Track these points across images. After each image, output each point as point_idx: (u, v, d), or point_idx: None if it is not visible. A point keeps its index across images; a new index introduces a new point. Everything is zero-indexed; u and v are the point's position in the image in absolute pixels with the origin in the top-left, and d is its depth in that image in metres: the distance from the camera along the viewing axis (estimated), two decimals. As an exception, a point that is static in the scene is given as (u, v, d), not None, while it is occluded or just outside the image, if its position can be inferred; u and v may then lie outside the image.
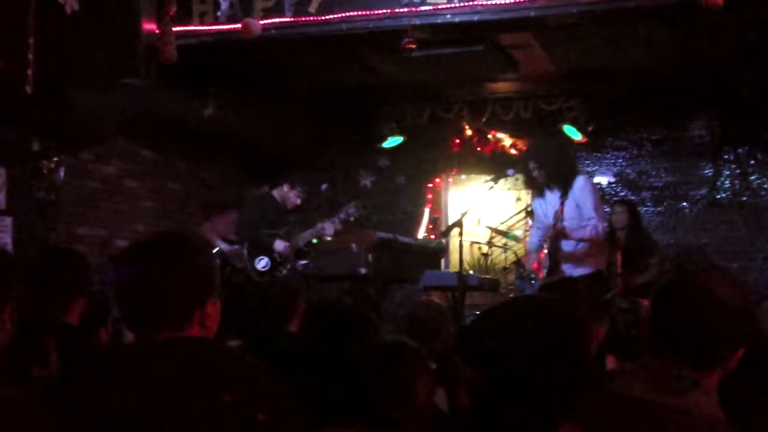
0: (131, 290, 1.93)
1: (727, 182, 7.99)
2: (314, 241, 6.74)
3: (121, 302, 1.96)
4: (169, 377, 1.80)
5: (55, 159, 6.54)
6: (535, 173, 5.61)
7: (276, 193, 6.90)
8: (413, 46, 4.88)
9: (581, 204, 5.46)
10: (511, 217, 8.53)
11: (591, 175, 8.10)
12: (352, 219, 6.67)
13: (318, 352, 2.97)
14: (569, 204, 5.52)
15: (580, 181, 5.53)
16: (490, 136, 8.69)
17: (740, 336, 1.88)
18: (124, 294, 1.95)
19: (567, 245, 5.57)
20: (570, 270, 5.56)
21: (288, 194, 6.87)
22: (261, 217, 6.73)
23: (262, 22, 5.75)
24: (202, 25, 6.17)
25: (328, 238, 6.63)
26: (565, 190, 5.51)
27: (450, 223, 8.39)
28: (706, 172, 8.07)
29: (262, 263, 6.51)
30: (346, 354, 2.66)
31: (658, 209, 8.10)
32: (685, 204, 8.12)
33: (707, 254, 7.90)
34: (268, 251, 6.55)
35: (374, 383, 2.16)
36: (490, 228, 7.64)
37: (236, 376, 1.85)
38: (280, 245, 6.54)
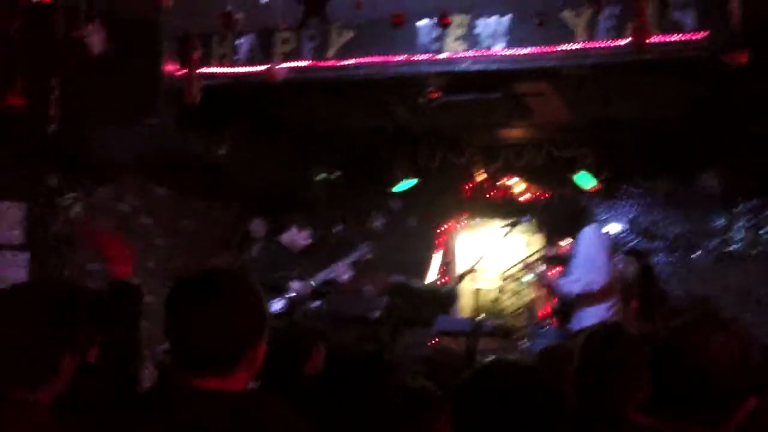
0: (186, 329, 1.88)
1: (739, 234, 7.99)
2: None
3: (172, 338, 1.90)
4: None
5: (72, 195, 6.59)
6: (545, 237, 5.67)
7: (284, 237, 6.92)
8: (437, 95, 4.93)
9: (588, 255, 5.45)
10: (521, 262, 8.51)
11: (603, 222, 8.10)
12: (367, 258, 6.68)
13: (338, 396, 2.96)
14: (578, 253, 5.53)
15: (587, 231, 5.54)
16: (502, 182, 8.73)
17: (743, 389, 1.88)
18: (178, 331, 1.90)
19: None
20: (582, 315, 5.51)
21: (296, 237, 6.89)
22: (272, 262, 6.74)
23: (280, 65, 5.82)
24: (222, 67, 6.24)
25: (345, 277, 6.62)
26: (575, 239, 5.54)
27: (460, 267, 8.40)
28: (718, 223, 8.08)
29: (279, 305, 6.51)
30: (368, 398, 2.67)
31: (670, 259, 8.09)
32: (697, 254, 8.12)
33: (719, 306, 7.86)
34: (282, 293, 6.55)
35: (401, 428, 2.16)
36: (502, 273, 7.63)
37: None
38: (296, 285, 6.54)
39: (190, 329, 1.86)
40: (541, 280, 5.79)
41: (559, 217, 5.71)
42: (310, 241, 7.00)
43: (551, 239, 5.90)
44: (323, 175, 8.72)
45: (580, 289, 5.39)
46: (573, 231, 5.64)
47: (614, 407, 2.49)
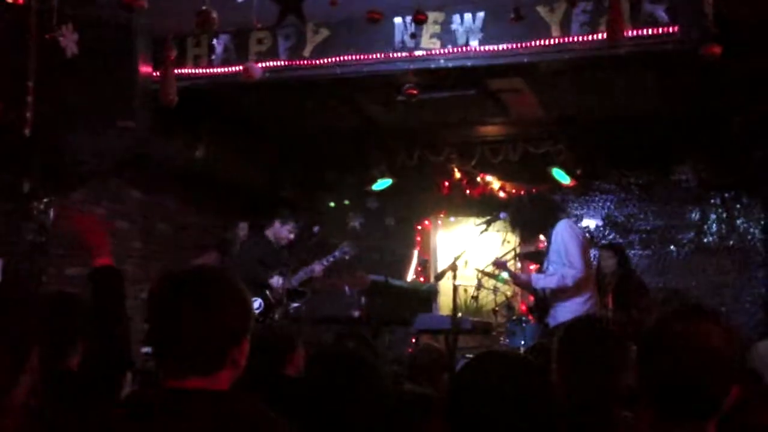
0: (169, 329, 1.85)
1: (714, 226, 8.08)
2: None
3: (155, 340, 1.88)
4: None
5: (45, 200, 6.50)
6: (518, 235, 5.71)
7: (269, 232, 6.88)
8: (415, 92, 4.92)
9: (559, 249, 5.48)
10: (496, 260, 8.53)
11: (579, 218, 8.16)
12: (346, 258, 6.67)
13: (325, 398, 2.94)
14: (551, 250, 5.56)
15: (559, 227, 5.57)
16: (479, 179, 8.76)
17: (731, 380, 1.87)
18: (160, 332, 1.87)
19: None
20: (558, 309, 5.54)
21: (280, 231, 6.85)
22: (257, 259, 6.71)
23: (258, 65, 5.79)
24: (197, 68, 6.20)
25: (318, 269, 6.60)
26: (549, 237, 5.57)
27: (439, 265, 8.42)
28: (693, 216, 8.17)
29: (254, 305, 6.47)
30: (350, 400, 2.65)
31: (646, 252, 8.17)
32: (672, 247, 8.20)
33: (695, 298, 7.94)
34: (262, 293, 6.52)
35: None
36: (479, 270, 7.66)
37: None
38: (276, 281, 6.52)
39: (174, 329, 1.84)
40: (516, 278, 5.81)
41: (531, 214, 5.73)
42: (294, 233, 6.95)
43: (525, 237, 5.94)
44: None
45: (555, 283, 5.42)
46: (546, 227, 5.67)
47: (598, 402, 2.49)
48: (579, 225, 6.49)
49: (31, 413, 2.00)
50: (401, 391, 2.47)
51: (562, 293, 5.48)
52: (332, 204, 8.92)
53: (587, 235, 6.72)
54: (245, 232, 7.93)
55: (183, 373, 1.84)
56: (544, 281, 5.52)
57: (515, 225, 5.88)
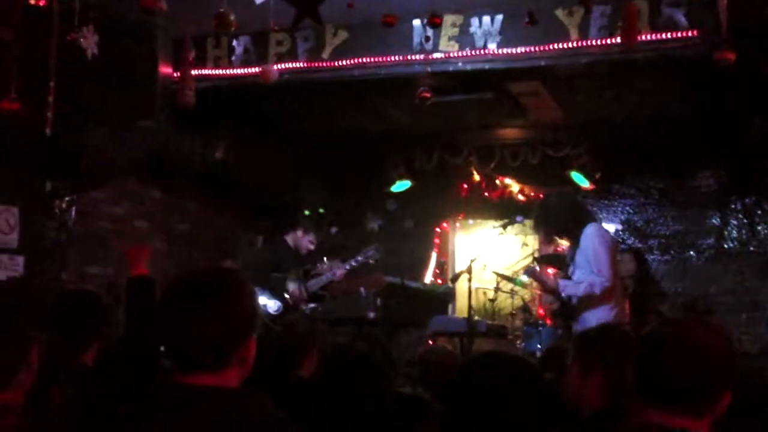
0: (176, 328, 1.90)
1: (734, 232, 8.01)
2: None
3: (164, 339, 1.94)
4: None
5: (67, 199, 6.58)
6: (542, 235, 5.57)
7: (289, 238, 6.89)
8: (429, 95, 4.94)
9: (588, 255, 5.35)
10: (518, 262, 8.53)
11: (591, 209, 8.10)
12: (371, 262, 6.66)
13: (330, 399, 2.96)
14: (579, 255, 5.44)
15: (589, 231, 5.41)
16: (497, 182, 8.75)
17: (725, 383, 1.94)
18: (169, 331, 1.92)
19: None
20: (586, 316, 5.45)
21: (301, 240, 6.85)
22: (275, 262, 6.73)
23: (275, 66, 5.83)
24: (217, 69, 6.26)
25: (339, 274, 6.60)
26: (576, 239, 5.41)
27: (457, 267, 8.42)
28: (713, 221, 8.09)
29: (275, 307, 6.50)
30: (359, 402, 2.68)
31: (665, 258, 8.11)
32: (692, 253, 8.13)
33: (713, 304, 7.88)
34: (280, 295, 6.55)
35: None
36: (497, 273, 7.64)
37: None
38: (291, 286, 6.54)
39: (183, 326, 1.89)
40: (544, 284, 5.67)
41: (558, 214, 5.57)
42: (314, 245, 6.96)
43: (549, 238, 5.83)
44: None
45: (582, 291, 5.27)
46: (573, 229, 5.52)
47: (622, 405, 2.50)
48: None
49: (35, 410, 2.04)
50: (398, 393, 2.48)
51: (589, 300, 5.35)
52: (321, 210, 8.89)
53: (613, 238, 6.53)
54: (261, 244, 7.97)
55: (192, 370, 1.89)
56: (571, 289, 5.39)
57: (540, 224, 5.71)
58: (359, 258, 6.68)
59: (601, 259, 5.15)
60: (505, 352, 2.21)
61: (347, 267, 6.61)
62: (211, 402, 1.83)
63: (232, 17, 3.97)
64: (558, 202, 5.70)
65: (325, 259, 6.83)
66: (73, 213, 6.60)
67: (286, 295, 6.55)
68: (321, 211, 8.83)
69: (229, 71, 6.20)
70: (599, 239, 5.27)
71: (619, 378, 2.57)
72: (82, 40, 4.24)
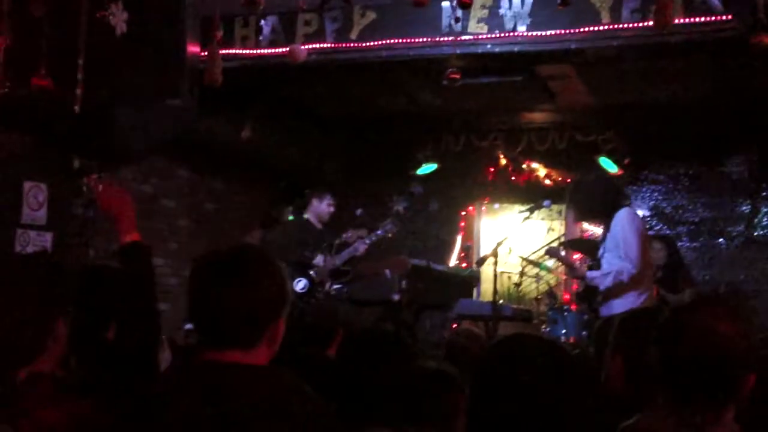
0: (208, 303, 1.91)
1: (764, 219, 7.90)
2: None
3: (196, 314, 1.94)
4: (231, 408, 1.78)
5: (95, 176, 6.63)
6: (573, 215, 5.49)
7: (309, 214, 6.83)
8: (457, 76, 4.89)
9: (617, 240, 5.27)
10: (543, 247, 8.48)
11: (626, 192, 8.00)
12: (389, 236, 6.63)
13: (357, 378, 2.96)
14: (609, 238, 5.36)
15: (620, 215, 5.33)
16: (524, 166, 8.69)
17: (747, 367, 1.93)
18: (200, 307, 1.93)
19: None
20: (614, 301, 5.38)
21: (319, 207, 6.76)
22: (300, 240, 6.70)
23: (303, 47, 5.81)
24: (245, 49, 6.24)
25: (361, 249, 6.56)
26: (608, 222, 5.34)
27: (482, 251, 8.39)
28: (744, 208, 7.99)
29: (300, 285, 6.50)
30: (385, 378, 2.67)
31: (694, 245, 8.03)
32: (721, 240, 8.04)
33: (742, 291, 7.80)
34: (306, 273, 6.54)
35: (417, 408, 2.18)
36: (523, 258, 7.60)
37: (296, 415, 1.83)
38: (320, 260, 6.53)
39: (214, 303, 1.89)
40: (572, 271, 5.60)
41: (592, 195, 5.48)
42: (333, 205, 6.86)
43: (580, 218, 5.76)
44: None
45: (611, 281, 5.20)
46: (605, 212, 5.43)
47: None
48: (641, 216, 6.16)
49: (61, 382, 2.06)
50: (424, 368, 2.49)
51: (617, 287, 5.29)
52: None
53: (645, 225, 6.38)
54: (289, 215, 7.97)
55: (222, 347, 1.90)
56: (600, 280, 5.33)
57: (572, 202, 5.63)
58: (379, 232, 6.66)
59: (631, 245, 5.07)
60: (534, 334, 2.19)
61: (367, 241, 6.59)
62: (242, 379, 1.84)
63: (260, -3, 3.95)
64: (593, 183, 5.59)
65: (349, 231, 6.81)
66: (101, 188, 6.64)
67: (312, 273, 6.55)
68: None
69: (256, 51, 6.19)
70: (630, 224, 5.18)
71: (639, 362, 2.54)
72: (111, 17, 4.24)
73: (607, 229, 5.29)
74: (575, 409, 1.84)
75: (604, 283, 5.17)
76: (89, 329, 2.99)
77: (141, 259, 2.69)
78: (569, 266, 5.69)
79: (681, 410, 1.92)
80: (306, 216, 6.89)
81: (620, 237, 5.15)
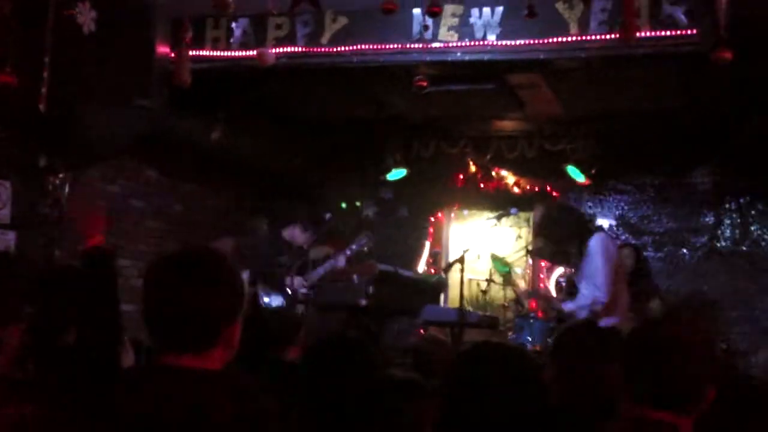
0: (162, 306, 1.89)
1: (728, 231, 8.02)
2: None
3: (149, 317, 1.91)
4: (179, 414, 1.78)
5: (61, 176, 6.57)
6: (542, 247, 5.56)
7: (286, 233, 6.89)
8: (424, 84, 4.92)
9: (590, 268, 5.33)
10: (512, 255, 8.55)
11: (592, 217, 8.11)
12: (366, 250, 6.68)
13: (319, 382, 2.97)
14: (585, 265, 5.42)
15: (594, 242, 5.40)
16: (493, 174, 8.75)
17: (709, 379, 1.98)
18: (155, 309, 1.91)
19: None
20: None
21: (299, 236, 6.86)
22: (276, 254, 6.74)
23: (274, 50, 5.81)
24: (215, 51, 6.23)
25: (341, 265, 6.60)
26: (581, 248, 5.42)
27: (450, 257, 8.43)
28: (708, 219, 8.10)
29: (276, 302, 6.49)
30: (348, 385, 2.68)
31: (659, 255, 8.12)
32: (685, 251, 8.15)
33: (706, 302, 7.91)
34: (283, 289, 6.53)
35: (384, 418, 2.18)
36: (493, 255, 7.57)
37: (248, 421, 1.82)
38: (297, 282, 6.55)
39: (166, 307, 1.88)
40: (552, 305, 5.66)
41: (561, 228, 5.57)
42: (309, 243, 6.95)
43: (553, 256, 5.79)
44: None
45: (586, 313, 5.29)
46: (576, 240, 5.52)
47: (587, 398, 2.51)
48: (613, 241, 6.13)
49: (15, 386, 2.04)
50: (388, 376, 2.50)
51: (595, 315, 5.34)
52: (344, 205, 8.92)
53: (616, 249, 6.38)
54: (265, 227, 7.96)
55: (176, 351, 1.88)
56: (577, 312, 5.40)
57: (545, 239, 5.70)
58: (354, 247, 6.70)
59: (601, 274, 5.15)
60: (502, 342, 2.23)
61: (348, 252, 6.64)
62: (194, 384, 1.83)
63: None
64: (558, 214, 5.68)
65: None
66: (67, 189, 6.59)
67: (287, 289, 6.54)
68: (357, 204, 8.82)
69: (227, 53, 6.17)
70: (602, 252, 5.25)
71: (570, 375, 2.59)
72: (78, 15, 4.22)
73: (581, 255, 5.38)
74: (540, 415, 1.86)
75: (580, 315, 5.26)
76: (48, 331, 2.97)
77: (104, 263, 2.65)
78: (548, 301, 5.74)
79: (641, 418, 1.95)
80: (283, 234, 6.92)
81: (592, 265, 5.23)
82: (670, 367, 1.94)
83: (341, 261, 6.64)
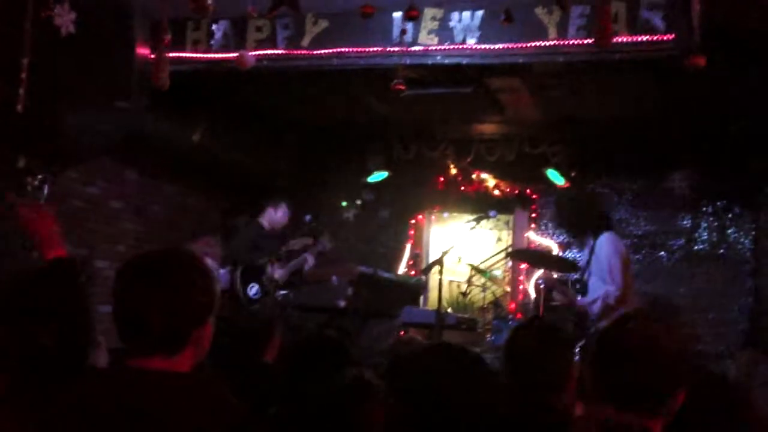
0: (131, 308, 1.89)
1: (704, 234, 8.10)
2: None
3: (118, 318, 1.91)
4: (144, 417, 1.78)
5: (40, 177, 6.53)
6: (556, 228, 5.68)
7: (263, 219, 6.94)
8: (402, 88, 4.95)
9: (602, 264, 5.45)
10: (491, 257, 8.59)
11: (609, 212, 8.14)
12: (325, 251, 6.77)
13: (291, 385, 2.99)
14: (594, 262, 5.53)
15: (603, 240, 5.52)
16: (474, 176, 8.78)
17: (679, 381, 2.00)
18: (124, 311, 1.91)
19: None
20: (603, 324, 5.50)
21: (275, 216, 6.94)
22: (253, 244, 6.78)
23: (254, 53, 5.81)
24: (195, 53, 6.23)
25: (307, 267, 6.72)
26: (587, 244, 5.57)
27: (431, 260, 8.46)
28: (685, 223, 8.18)
29: (253, 290, 6.55)
30: (318, 387, 2.69)
31: (636, 257, 8.18)
32: (662, 254, 8.22)
33: (681, 305, 7.99)
34: (259, 278, 6.59)
35: (334, 420, 2.20)
36: (471, 265, 7.67)
37: (214, 425, 1.82)
38: (278, 271, 6.62)
39: (135, 308, 1.88)
40: (565, 296, 5.75)
41: (570, 215, 5.72)
42: (288, 215, 7.04)
43: (562, 228, 5.87)
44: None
45: (599, 308, 5.42)
46: (587, 229, 5.66)
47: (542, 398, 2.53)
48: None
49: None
50: (344, 376, 2.52)
51: (607, 311, 5.44)
52: (344, 203, 8.96)
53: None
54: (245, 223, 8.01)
55: (146, 353, 1.88)
56: (589, 306, 5.51)
57: (557, 220, 5.87)
58: (318, 246, 6.84)
59: (615, 269, 5.33)
60: (452, 344, 2.24)
61: (314, 253, 6.73)
62: (162, 387, 1.83)
63: (209, 1, 3.95)
64: (579, 198, 5.82)
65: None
66: (46, 191, 6.55)
67: (264, 278, 6.59)
68: (343, 204, 8.86)
69: (207, 55, 6.17)
70: (613, 249, 5.44)
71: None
72: (56, 17, 4.21)
73: (591, 253, 5.51)
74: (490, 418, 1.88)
75: (594, 308, 5.38)
76: (27, 333, 2.97)
77: (67, 273, 2.59)
78: (565, 296, 5.83)
79: (610, 424, 1.96)
80: (260, 220, 6.96)
81: (605, 262, 5.37)
82: (638, 368, 1.95)
83: (310, 259, 6.74)
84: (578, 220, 5.70)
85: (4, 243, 6.06)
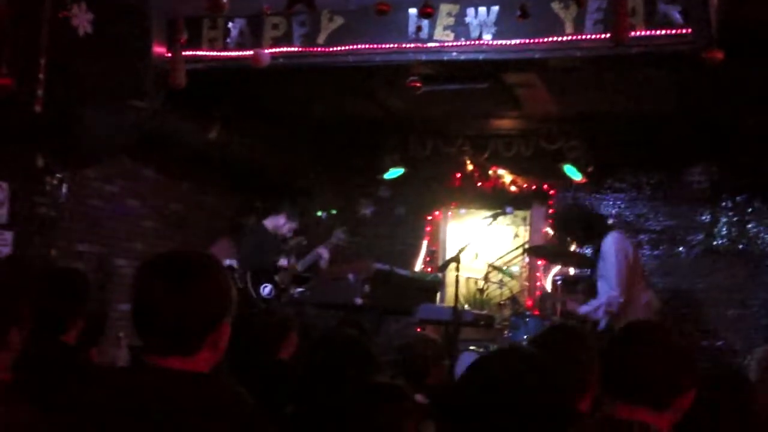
0: (149, 308, 1.90)
1: (724, 229, 8.03)
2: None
3: (137, 318, 1.92)
4: (164, 415, 1.79)
5: (59, 176, 6.58)
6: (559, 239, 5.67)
7: (269, 222, 7.02)
8: (418, 85, 4.94)
9: (607, 267, 5.38)
10: (509, 253, 8.57)
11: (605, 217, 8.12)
12: (340, 244, 6.79)
13: (310, 384, 2.98)
14: (600, 264, 5.47)
15: (608, 241, 5.46)
16: (491, 172, 8.76)
17: (687, 378, 2.03)
18: (142, 310, 1.92)
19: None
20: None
21: (282, 227, 7.02)
22: (260, 246, 6.84)
23: (270, 50, 5.82)
24: (212, 51, 6.24)
25: (322, 263, 6.76)
26: (595, 246, 5.53)
27: (447, 256, 8.45)
28: (704, 218, 8.11)
29: (266, 290, 6.59)
30: (340, 387, 2.69)
31: (655, 253, 8.13)
32: (681, 249, 8.16)
33: (701, 300, 7.94)
34: (271, 278, 6.63)
35: (364, 424, 2.20)
36: (489, 264, 7.67)
37: (229, 426, 1.83)
38: (284, 262, 6.68)
39: (155, 309, 1.89)
40: (567, 306, 5.74)
41: (574, 227, 5.68)
42: (287, 225, 7.13)
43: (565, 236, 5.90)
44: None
45: (602, 313, 5.36)
46: (591, 239, 5.61)
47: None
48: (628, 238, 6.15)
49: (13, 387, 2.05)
50: (371, 380, 2.51)
51: (613, 316, 5.39)
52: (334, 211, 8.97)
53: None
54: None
55: (163, 353, 1.89)
56: (593, 313, 5.47)
57: (560, 234, 5.83)
58: (332, 239, 6.87)
59: (615, 273, 5.24)
60: (520, 347, 2.22)
61: (328, 247, 6.78)
62: (179, 387, 1.84)
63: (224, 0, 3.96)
64: (571, 213, 5.77)
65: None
66: (65, 190, 6.60)
67: (276, 278, 6.62)
68: (333, 212, 8.85)
69: (223, 53, 6.18)
70: (616, 251, 5.34)
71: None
72: (73, 17, 4.24)
73: (597, 254, 5.45)
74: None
75: (597, 315, 5.32)
76: (48, 332, 3.00)
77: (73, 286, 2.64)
78: (564, 302, 5.83)
79: (619, 416, 1.97)
80: (265, 223, 7.03)
81: (609, 263, 5.31)
82: (643, 361, 1.98)
83: (325, 252, 6.75)
84: (584, 234, 5.64)
85: (24, 236, 6.11)
